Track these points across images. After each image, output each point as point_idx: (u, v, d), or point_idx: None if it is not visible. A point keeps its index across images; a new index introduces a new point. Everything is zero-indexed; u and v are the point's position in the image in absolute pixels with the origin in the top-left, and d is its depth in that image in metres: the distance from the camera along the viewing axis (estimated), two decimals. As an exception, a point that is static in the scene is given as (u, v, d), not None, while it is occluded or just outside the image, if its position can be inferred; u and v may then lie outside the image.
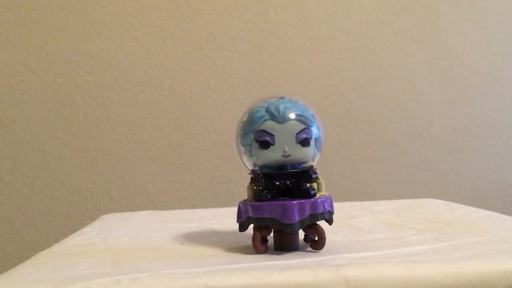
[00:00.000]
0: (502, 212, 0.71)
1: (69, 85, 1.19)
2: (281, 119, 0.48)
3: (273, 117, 0.48)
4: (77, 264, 0.46)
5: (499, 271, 0.39)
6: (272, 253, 0.49)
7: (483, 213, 0.70)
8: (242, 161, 0.52)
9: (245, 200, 0.51)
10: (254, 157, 0.49)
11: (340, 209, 0.75)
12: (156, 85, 1.21)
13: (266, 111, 0.48)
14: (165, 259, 0.48)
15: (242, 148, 0.50)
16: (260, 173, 0.49)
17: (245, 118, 0.50)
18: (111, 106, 1.20)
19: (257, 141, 0.48)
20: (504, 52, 1.29)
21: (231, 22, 1.22)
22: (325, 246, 0.48)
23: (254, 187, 0.50)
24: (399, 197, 1.12)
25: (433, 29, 1.27)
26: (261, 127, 0.48)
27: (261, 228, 0.49)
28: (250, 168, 0.51)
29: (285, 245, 0.50)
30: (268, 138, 0.48)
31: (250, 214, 0.49)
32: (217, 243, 0.55)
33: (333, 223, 0.50)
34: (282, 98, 0.50)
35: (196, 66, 1.22)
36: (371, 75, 1.26)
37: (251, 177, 0.51)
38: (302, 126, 0.48)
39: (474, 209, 0.74)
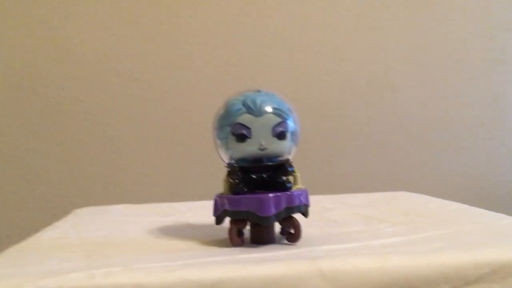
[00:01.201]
0: (474, 205, 0.72)
1: (43, 78, 1.17)
2: (258, 113, 0.48)
3: (249, 110, 0.48)
4: (49, 259, 0.45)
5: (471, 262, 0.40)
6: (248, 246, 0.49)
7: (455, 205, 0.72)
8: (219, 154, 0.51)
9: (221, 194, 0.50)
10: (231, 150, 0.49)
11: (316, 202, 0.76)
12: (132, 78, 1.20)
13: (243, 104, 0.48)
14: (140, 253, 0.47)
15: (219, 141, 0.50)
16: (236, 166, 0.49)
17: (222, 111, 0.50)
18: (86, 98, 1.18)
19: (233, 134, 0.48)
20: (478, 49, 1.32)
21: (208, 15, 1.22)
22: (301, 239, 0.49)
23: (231, 180, 0.50)
24: (374, 190, 1.14)
25: (408, 25, 1.29)
26: (238, 120, 0.48)
27: (238, 221, 0.49)
28: (227, 161, 0.51)
29: (261, 238, 0.50)
30: (244, 131, 0.48)
31: (227, 207, 0.49)
32: (193, 236, 0.55)
33: (309, 216, 0.51)
34: (259, 91, 0.50)
35: (173, 59, 1.21)
36: (348, 69, 1.26)
37: (228, 170, 0.51)
38: (279, 120, 0.48)
39: (447, 202, 0.76)
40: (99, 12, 1.18)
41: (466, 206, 0.71)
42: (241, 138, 0.48)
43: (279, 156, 0.50)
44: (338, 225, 0.60)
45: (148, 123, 1.20)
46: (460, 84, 1.31)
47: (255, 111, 0.48)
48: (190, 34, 1.21)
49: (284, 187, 0.48)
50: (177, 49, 1.20)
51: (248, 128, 0.48)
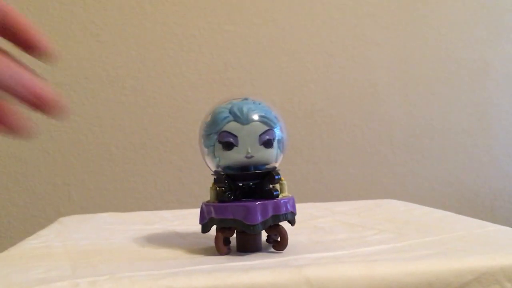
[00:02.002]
0: (458, 212, 0.73)
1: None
2: (245, 121, 0.48)
3: (236, 118, 0.48)
4: (33, 268, 0.44)
5: (455, 269, 0.41)
6: (235, 254, 0.49)
7: (440, 213, 0.72)
8: (205, 162, 0.51)
9: (208, 201, 0.50)
10: (217, 158, 0.49)
11: (302, 209, 0.76)
12: (118, 85, 1.19)
13: (230, 112, 0.48)
14: (125, 261, 0.47)
15: (205, 149, 0.50)
16: (223, 174, 0.49)
17: (208, 119, 0.50)
18: (70, 105, 1.17)
19: (220, 142, 0.48)
20: (460, 58, 1.34)
21: (194, 22, 1.22)
22: (287, 247, 0.49)
23: (217, 188, 0.50)
24: (360, 198, 1.14)
25: (393, 34, 1.30)
26: (224, 128, 0.48)
27: (224, 229, 0.49)
28: (213, 169, 0.51)
29: (247, 246, 0.50)
30: (231, 139, 0.48)
31: (213, 215, 0.49)
32: (179, 244, 0.54)
33: (296, 224, 0.51)
34: (246, 99, 0.50)
35: (159, 66, 1.20)
36: (333, 78, 1.27)
37: (214, 178, 0.51)
38: (265, 128, 0.48)
39: (431, 209, 0.76)
40: (83, 19, 1.17)
41: (450, 213, 0.72)
42: (228, 146, 0.48)
43: (266, 164, 0.50)
44: (325, 232, 0.60)
45: (135, 131, 1.19)
46: (446, 93, 1.33)
47: (242, 119, 0.48)
48: (177, 42, 1.21)
49: (270, 195, 0.48)
50: (164, 58, 1.20)
51: (235, 136, 0.48)
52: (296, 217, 0.51)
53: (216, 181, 0.50)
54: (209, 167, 0.51)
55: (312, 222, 0.68)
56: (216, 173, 0.50)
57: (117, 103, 1.19)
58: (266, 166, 0.50)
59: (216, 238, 0.49)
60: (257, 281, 0.38)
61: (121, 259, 0.49)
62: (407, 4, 1.31)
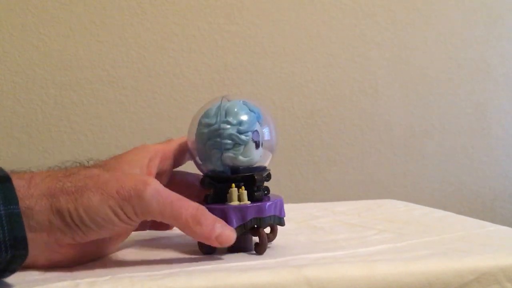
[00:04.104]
0: (458, 212, 0.73)
1: (26, 84, 1.16)
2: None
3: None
4: (33, 269, 0.44)
5: (455, 270, 0.41)
6: (233, 255, 0.49)
7: (440, 213, 0.72)
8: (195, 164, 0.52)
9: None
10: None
11: (302, 209, 0.76)
12: (118, 85, 1.19)
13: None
14: (124, 262, 0.47)
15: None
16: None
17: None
18: (70, 105, 1.17)
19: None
20: (460, 57, 1.34)
21: (194, 22, 1.22)
22: (287, 247, 0.49)
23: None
24: (360, 197, 1.14)
25: (393, 34, 1.30)
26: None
27: None
28: (201, 172, 0.51)
29: (236, 246, 0.49)
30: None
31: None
32: (179, 244, 0.54)
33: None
34: (231, 100, 0.50)
35: (159, 66, 1.20)
36: (333, 78, 1.27)
37: (200, 180, 0.51)
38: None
39: (432, 209, 0.76)
40: (82, 19, 1.17)
41: (451, 213, 0.72)
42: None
43: (252, 166, 0.49)
44: (325, 232, 0.60)
45: (135, 131, 1.19)
46: (446, 93, 1.33)
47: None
48: (177, 42, 1.21)
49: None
50: (164, 58, 1.20)
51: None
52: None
53: (201, 183, 0.50)
54: (199, 169, 0.52)
55: (312, 222, 0.68)
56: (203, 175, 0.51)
57: (117, 104, 1.19)
58: (255, 166, 0.49)
59: None
60: (257, 281, 0.38)
61: (120, 259, 0.49)
62: (407, 4, 1.31)
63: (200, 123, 0.49)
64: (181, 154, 0.52)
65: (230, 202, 0.48)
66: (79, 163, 0.49)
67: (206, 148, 0.48)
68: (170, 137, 0.54)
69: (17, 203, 0.38)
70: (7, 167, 0.41)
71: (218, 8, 1.22)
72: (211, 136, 0.47)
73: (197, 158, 0.50)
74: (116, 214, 0.42)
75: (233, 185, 0.48)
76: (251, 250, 0.50)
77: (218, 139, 0.47)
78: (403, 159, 1.31)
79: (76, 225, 0.41)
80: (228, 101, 0.49)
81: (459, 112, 1.34)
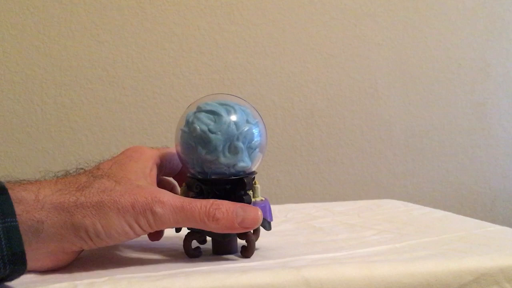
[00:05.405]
0: (458, 213, 0.73)
1: (26, 84, 1.16)
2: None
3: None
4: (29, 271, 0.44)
5: (454, 270, 0.41)
6: (232, 256, 0.49)
7: (439, 213, 0.72)
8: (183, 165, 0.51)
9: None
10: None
11: (301, 210, 0.76)
12: (118, 85, 1.19)
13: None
14: (122, 263, 0.47)
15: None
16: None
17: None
18: (70, 105, 1.17)
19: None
20: (459, 58, 1.34)
21: (194, 22, 1.22)
22: (286, 248, 0.49)
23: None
24: (360, 198, 1.14)
25: (393, 34, 1.30)
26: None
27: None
28: (187, 174, 0.50)
29: (220, 249, 0.49)
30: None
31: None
32: (177, 245, 0.54)
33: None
34: (221, 101, 0.49)
35: (159, 67, 1.20)
36: (333, 78, 1.27)
37: (185, 183, 0.50)
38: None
39: (431, 209, 0.76)
40: (82, 19, 1.17)
41: (450, 213, 0.72)
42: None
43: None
44: (324, 233, 0.60)
45: (135, 131, 1.19)
46: (446, 93, 1.33)
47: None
48: (177, 42, 1.21)
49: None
50: (164, 58, 1.20)
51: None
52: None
53: (187, 185, 0.50)
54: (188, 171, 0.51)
55: (312, 222, 0.68)
56: (189, 177, 0.50)
57: (117, 104, 1.19)
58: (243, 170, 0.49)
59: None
60: (256, 282, 0.38)
61: (117, 261, 0.49)
62: (407, 4, 1.31)
63: (192, 125, 0.48)
64: (175, 161, 0.53)
65: (255, 197, 0.49)
66: (83, 168, 0.48)
67: (196, 153, 0.47)
68: (170, 138, 0.54)
69: (14, 215, 0.37)
70: (7, 167, 0.41)
71: (218, 8, 1.22)
72: (195, 141, 0.47)
73: (185, 160, 0.50)
74: (131, 228, 0.43)
75: (257, 181, 0.48)
76: (236, 252, 0.49)
77: (203, 144, 0.47)
78: (403, 159, 1.31)
79: (89, 237, 0.42)
80: (220, 102, 0.49)
81: (459, 112, 1.34)
